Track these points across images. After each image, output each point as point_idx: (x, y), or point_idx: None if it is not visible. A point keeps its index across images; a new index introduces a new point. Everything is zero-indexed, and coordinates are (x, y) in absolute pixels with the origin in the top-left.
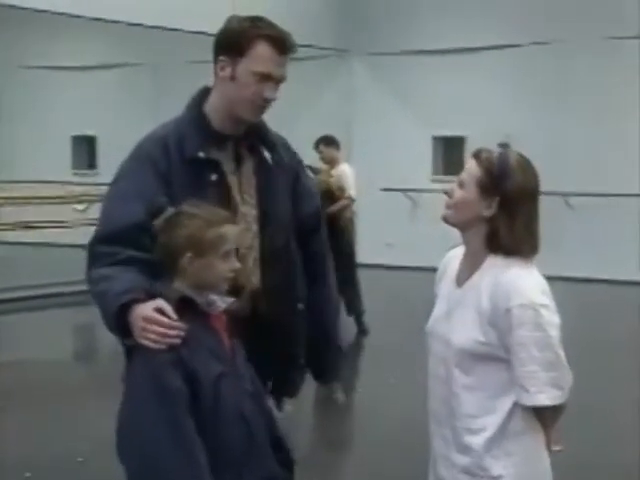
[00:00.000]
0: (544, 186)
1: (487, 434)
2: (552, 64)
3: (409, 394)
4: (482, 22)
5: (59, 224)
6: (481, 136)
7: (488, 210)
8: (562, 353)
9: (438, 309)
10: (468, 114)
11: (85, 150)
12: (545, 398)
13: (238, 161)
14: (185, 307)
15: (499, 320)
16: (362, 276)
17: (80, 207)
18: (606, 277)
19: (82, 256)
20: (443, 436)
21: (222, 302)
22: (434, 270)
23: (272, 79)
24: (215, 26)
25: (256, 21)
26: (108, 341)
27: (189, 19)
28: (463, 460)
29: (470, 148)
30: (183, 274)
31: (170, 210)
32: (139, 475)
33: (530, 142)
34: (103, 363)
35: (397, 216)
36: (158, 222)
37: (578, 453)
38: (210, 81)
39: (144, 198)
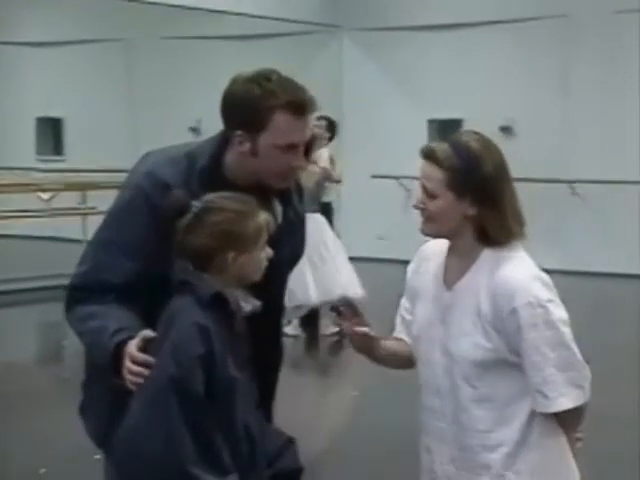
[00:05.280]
0: (548, 173)
1: (505, 449)
2: (555, 41)
3: (391, 406)
4: None
5: (21, 214)
6: (479, 119)
7: (471, 208)
8: (576, 349)
9: (425, 312)
10: (465, 95)
11: (50, 134)
12: (567, 401)
13: None
14: (214, 304)
15: (504, 322)
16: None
17: (45, 196)
18: (614, 270)
19: (47, 249)
20: (452, 458)
21: (247, 304)
22: None
23: (297, 147)
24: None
25: (266, 84)
26: (75, 341)
27: None
28: None
29: None
30: (221, 271)
31: (196, 205)
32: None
33: (532, 124)
34: (68, 366)
35: (389, 206)
36: (184, 220)
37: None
38: (188, 61)
39: (135, 254)
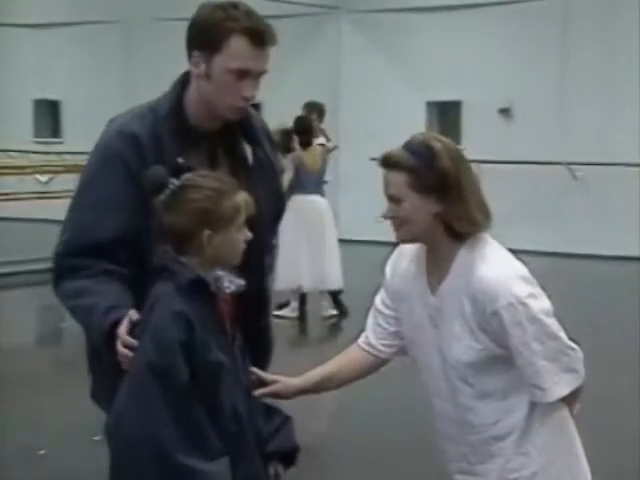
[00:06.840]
0: (547, 155)
1: (515, 435)
2: (554, 23)
3: (389, 385)
4: None
5: (19, 197)
6: (478, 101)
7: (438, 204)
8: (563, 335)
9: (413, 315)
10: (464, 77)
11: (48, 116)
12: (562, 389)
13: (212, 162)
14: (196, 287)
15: (488, 323)
16: (348, 253)
17: (43, 179)
18: (614, 253)
19: (44, 231)
20: (462, 454)
21: (231, 284)
22: None
23: (250, 75)
24: None
25: (231, 10)
26: (73, 323)
27: None
28: (491, 467)
29: (466, 114)
30: (199, 252)
31: (174, 183)
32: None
33: (531, 106)
34: (66, 348)
35: None
36: (162, 198)
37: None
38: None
39: (117, 208)
